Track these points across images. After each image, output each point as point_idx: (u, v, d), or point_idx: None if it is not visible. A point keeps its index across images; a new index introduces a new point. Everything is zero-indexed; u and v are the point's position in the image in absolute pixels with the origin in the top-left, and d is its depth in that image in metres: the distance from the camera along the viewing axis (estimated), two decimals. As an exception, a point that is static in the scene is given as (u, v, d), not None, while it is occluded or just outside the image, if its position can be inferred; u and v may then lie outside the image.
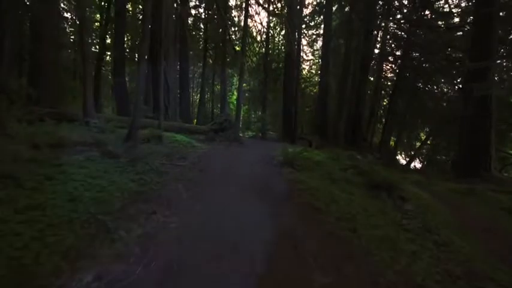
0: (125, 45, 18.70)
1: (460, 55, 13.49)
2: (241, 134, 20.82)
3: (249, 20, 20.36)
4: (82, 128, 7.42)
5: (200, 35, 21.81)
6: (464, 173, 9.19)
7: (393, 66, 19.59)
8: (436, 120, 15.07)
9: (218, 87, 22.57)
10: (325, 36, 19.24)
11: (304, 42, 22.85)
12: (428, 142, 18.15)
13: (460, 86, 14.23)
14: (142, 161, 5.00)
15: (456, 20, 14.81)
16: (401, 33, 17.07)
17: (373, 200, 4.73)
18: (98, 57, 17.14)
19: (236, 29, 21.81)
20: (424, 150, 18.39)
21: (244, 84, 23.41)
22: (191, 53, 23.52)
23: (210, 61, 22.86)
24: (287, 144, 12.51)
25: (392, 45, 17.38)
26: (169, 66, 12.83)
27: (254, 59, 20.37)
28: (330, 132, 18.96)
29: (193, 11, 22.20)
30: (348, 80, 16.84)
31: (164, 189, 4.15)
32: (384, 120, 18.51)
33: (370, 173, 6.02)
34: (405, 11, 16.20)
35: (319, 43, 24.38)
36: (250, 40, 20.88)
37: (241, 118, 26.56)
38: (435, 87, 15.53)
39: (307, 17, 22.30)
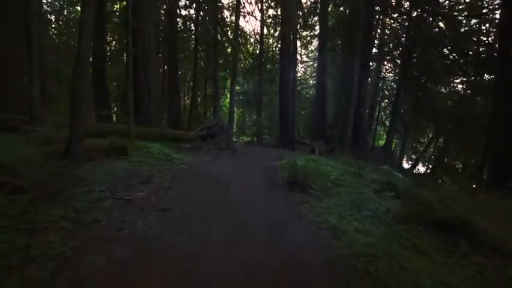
0: (106, 45, 16.41)
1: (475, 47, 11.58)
2: (235, 139, 18.66)
3: (242, 20, 18.35)
4: (15, 138, 5.17)
5: (191, 36, 19.61)
6: (505, 180, 7.11)
7: (393, 65, 17.71)
8: (445, 120, 13.12)
9: (211, 90, 20.39)
10: (321, 33, 17.26)
11: (298, 43, 20.86)
12: (433, 144, 16.19)
13: (473, 81, 12.32)
14: (63, 197, 2.79)
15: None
16: (402, 28, 15.19)
17: (459, 260, 2.59)
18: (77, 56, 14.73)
19: (228, 29, 19.68)
20: (425, 154, 16.43)
21: (237, 87, 21.25)
22: (181, 55, 21.37)
23: (202, 63, 20.68)
24: (286, 152, 10.38)
25: (395, 41, 15.43)
26: (150, 63, 10.59)
27: (249, 60, 18.25)
28: (329, 136, 16.92)
29: (183, 12, 20.08)
30: (348, 80, 14.84)
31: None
32: (386, 122, 16.53)
33: (417, 198, 3.91)
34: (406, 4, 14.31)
35: (314, 44, 22.48)
36: (243, 40, 18.80)
37: (234, 122, 24.36)
38: (442, 84, 13.57)
39: (301, 18, 20.31)
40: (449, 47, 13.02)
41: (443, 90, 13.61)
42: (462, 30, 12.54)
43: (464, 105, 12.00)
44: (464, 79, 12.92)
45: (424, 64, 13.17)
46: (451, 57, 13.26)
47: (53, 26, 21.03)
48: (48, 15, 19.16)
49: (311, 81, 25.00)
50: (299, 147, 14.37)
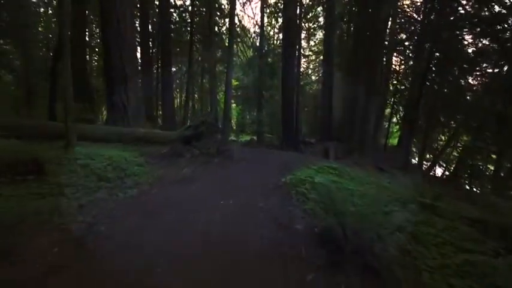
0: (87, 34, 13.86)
1: None
2: (234, 138, 16.17)
3: (240, 7, 15.77)
4: None
5: (186, 27, 17.01)
6: None
7: (404, 57, 15.12)
8: (475, 115, 10.59)
9: (208, 85, 17.89)
10: (327, 18, 14.72)
11: (302, 35, 18.27)
12: (453, 143, 13.64)
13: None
14: None
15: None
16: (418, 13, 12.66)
17: None
18: (56, 50, 12.24)
19: (225, 20, 17.09)
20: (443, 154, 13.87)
21: (236, 82, 18.71)
22: (177, 49, 18.80)
23: (199, 58, 18.13)
24: (293, 155, 7.92)
25: (410, 29, 12.86)
26: (126, 49, 8.09)
27: (248, 52, 15.71)
28: (337, 135, 14.43)
29: (178, 2, 17.49)
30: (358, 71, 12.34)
31: None
32: (395, 119, 14.03)
33: None
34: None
35: (317, 37, 19.89)
36: (241, 31, 16.24)
37: (232, 119, 21.77)
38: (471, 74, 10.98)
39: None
40: (479, 30, 10.45)
41: (472, 81, 11.07)
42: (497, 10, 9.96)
43: (498, 98, 9.49)
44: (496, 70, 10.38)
45: (451, 52, 10.62)
46: (482, 43, 10.70)
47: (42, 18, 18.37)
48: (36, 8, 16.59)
49: (313, 77, 22.42)
50: (305, 148, 11.91)
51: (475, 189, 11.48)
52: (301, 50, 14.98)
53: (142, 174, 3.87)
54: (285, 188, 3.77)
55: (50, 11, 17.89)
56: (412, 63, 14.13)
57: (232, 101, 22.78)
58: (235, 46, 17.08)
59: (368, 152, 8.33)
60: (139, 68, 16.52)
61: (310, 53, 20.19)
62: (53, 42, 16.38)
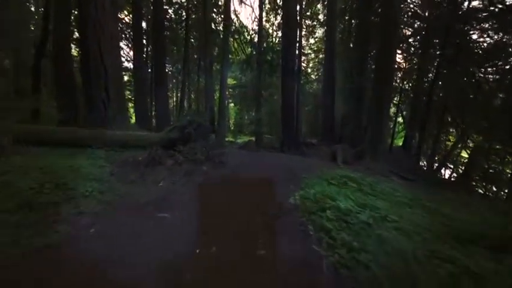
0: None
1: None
2: (232, 139, 14.96)
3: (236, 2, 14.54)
4: None
5: (182, 24, 15.75)
6: None
7: (407, 53, 13.96)
8: (483, 114, 9.47)
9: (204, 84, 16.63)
10: (329, 13, 13.56)
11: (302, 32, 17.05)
12: (461, 144, 12.52)
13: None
14: None
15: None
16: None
17: None
18: (39, 42, 10.97)
19: (222, 16, 15.85)
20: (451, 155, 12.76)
21: (234, 81, 17.50)
22: (174, 48, 17.55)
23: (195, 56, 16.90)
24: (297, 159, 6.73)
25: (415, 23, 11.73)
26: (107, 37, 6.87)
27: (247, 49, 14.49)
28: (339, 135, 13.27)
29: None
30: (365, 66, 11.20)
31: None
32: (400, 118, 12.88)
33: None
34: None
35: (317, 35, 18.71)
36: (239, 27, 15.00)
37: (229, 119, 20.48)
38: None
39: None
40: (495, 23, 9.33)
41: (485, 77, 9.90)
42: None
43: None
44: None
45: (463, 46, 9.47)
46: (494, 37, 9.57)
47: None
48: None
49: (313, 76, 21.23)
50: (307, 149, 10.74)
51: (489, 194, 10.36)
52: (301, 47, 13.79)
53: (94, 196, 2.69)
54: (296, 216, 2.58)
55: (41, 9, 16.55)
56: (418, 60, 13.00)
57: (230, 101, 21.56)
58: (233, 43, 15.88)
59: (380, 155, 7.17)
60: (132, 66, 15.37)
61: (310, 51, 19.00)
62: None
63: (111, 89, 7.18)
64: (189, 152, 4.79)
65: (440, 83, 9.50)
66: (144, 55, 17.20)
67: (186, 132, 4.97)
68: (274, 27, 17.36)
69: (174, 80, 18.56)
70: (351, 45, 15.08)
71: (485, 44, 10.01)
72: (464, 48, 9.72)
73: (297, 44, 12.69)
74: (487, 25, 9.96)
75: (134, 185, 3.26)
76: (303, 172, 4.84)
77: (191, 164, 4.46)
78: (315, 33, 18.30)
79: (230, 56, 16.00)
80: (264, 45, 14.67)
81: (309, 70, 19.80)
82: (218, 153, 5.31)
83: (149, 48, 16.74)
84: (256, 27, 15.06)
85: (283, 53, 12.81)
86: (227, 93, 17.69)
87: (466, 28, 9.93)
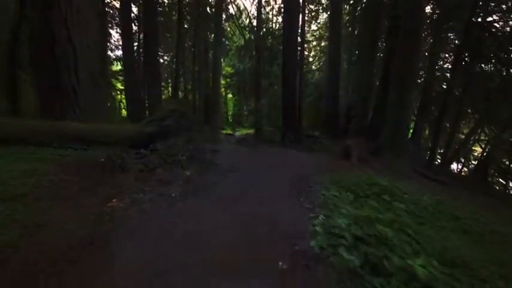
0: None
1: None
2: (230, 132, 13.65)
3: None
4: None
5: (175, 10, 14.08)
6: None
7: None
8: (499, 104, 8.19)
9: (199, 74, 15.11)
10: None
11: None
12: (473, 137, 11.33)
13: None
14: None
15: None
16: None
17: None
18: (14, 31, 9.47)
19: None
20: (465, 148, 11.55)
21: (230, 69, 16.02)
22: (168, 36, 15.92)
23: (189, 43, 15.30)
24: (303, 157, 5.49)
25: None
26: (76, 12, 5.48)
27: (245, 35, 12.95)
28: (345, 127, 11.98)
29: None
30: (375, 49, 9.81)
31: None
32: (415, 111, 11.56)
33: None
34: None
35: (320, 20, 17.06)
36: (236, 11, 13.40)
37: (228, 111, 18.98)
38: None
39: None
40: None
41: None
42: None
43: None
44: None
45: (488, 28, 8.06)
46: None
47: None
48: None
49: (313, 66, 19.67)
50: (312, 143, 9.48)
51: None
52: (304, 32, 12.27)
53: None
54: (324, 285, 1.34)
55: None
56: (430, 45, 11.55)
57: (228, 91, 20.06)
58: (230, 27, 14.31)
59: (402, 152, 5.93)
60: (122, 54, 13.80)
61: (312, 38, 17.41)
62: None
63: (83, 72, 5.84)
64: (169, 151, 3.53)
65: (458, 70, 8.13)
66: (136, 43, 15.65)
67: (166, 125, 3.69)
68: (275, 12, 15.71)
69: (168, 69, 17.03)
70: (357, 30, 13.57)
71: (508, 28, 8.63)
72: (488, 31, 8.31)
73: (299, 30, 11.21)
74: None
75: (65, 206, 2.03)
76: (315, 177, 3.61)
77: (169, 168, 3.21)
78: (317, 18, 16.66)
79: (227, 42, 14.51)
80: (264, 29, 13.14)
81: (311, 59, 18.25)
82: (208, 151, 4.05)
83: (141, 36, 15.13)
84: (255, 12, 13.48)
85: (284, 36, 11.33)
86: (223, 82, 16.23)
87: (489, 8, 8.51)
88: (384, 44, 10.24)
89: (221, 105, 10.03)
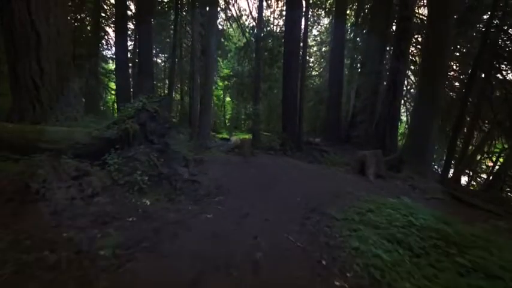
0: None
1: None
2: (226, 136, 12.53)
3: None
4: None
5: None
6: None
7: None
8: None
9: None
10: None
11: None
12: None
13: None
14: None
15: None
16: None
17: None
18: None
19: None
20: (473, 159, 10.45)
21: (228, 70, 14.95)
22: (166, 38, 14.85)
23: (186, 42, 14.22)
24: (310, 170, 4.37)
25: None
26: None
27: (246, 35, 11.92)
28: (348, 134, 10.91)
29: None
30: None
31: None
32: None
33: None
34: None
35: (322, 24, 16.13)
36: (237, 12, 12.39)
37: (225, 114, 17.76)
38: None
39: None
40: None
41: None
42: None
43: None
44: None
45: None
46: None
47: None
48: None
49: (313, 72, 18.68)
50: (316, 152, 8.40)
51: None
52: (307, 33, 11.25)
53: None
54: None
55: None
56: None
57: (226, 94, 18.94)
58: (229, 28, 13.30)
59: (428, 167, 4.83)
60: (115, 51, 12.60)
61: (313, 43, 16.46)
62: None
63: (49, 62, 4.69)
64: (126, 165, 2.37)
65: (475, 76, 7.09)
66: (132, 42, 14.55)
67: (124, 128, 2.54)
68: (276, 15, 14.76)
69: (166, 71, 15.92)
70: (360, 35, 12.61)
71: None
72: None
73: (302, 32, 10.20)
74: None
75: None
76: (332, 206, 2.48)
77: (120, 193, 2.05)
78: (319, 23, 15.74)
79: (226, 43, 13.48)
80: (265, 30, 12.12)
81: (311, 64, 17.27)
82: (188, 164, 2.90)
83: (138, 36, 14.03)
84: (256, 14, 12.48)
85: (286, 36, 10.32)
86: (221, 84, 15.12)
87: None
88: (392, 48, 9.25)
89: (212, 107, 8.82)
